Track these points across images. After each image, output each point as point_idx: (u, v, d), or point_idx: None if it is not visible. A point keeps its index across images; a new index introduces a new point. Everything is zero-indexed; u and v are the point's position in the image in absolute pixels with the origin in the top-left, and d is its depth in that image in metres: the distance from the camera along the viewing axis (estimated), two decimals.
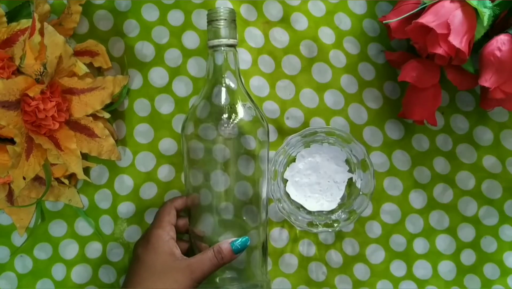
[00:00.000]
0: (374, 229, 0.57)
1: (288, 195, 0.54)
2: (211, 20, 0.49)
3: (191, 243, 0.51)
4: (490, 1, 0.47)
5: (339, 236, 0.57)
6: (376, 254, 0.57)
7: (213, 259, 0.46)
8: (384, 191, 0.57)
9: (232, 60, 0.50)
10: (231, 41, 0.49)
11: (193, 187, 0.50)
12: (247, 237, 0.47)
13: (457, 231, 0.58)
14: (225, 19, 0.48)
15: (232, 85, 0.50)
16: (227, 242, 0.47)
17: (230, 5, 0.56)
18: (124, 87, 0.53)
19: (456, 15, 0.46)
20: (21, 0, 0.51)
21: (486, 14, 0.46)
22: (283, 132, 0.57)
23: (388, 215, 0.57)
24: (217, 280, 0.49)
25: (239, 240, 0.47)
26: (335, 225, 0.53)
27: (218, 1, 0.56)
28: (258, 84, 0.56)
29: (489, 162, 0.58)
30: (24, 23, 0.48)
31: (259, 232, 0.50)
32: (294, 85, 0.57)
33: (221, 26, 0.48)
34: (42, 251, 0.56)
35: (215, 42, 0.49)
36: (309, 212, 0.54)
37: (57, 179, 0.53)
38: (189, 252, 0.51)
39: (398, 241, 0.57)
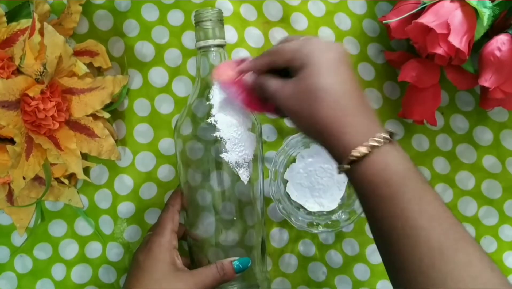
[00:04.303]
0: None
1: (288, 196, 0.54)
2: (198, 21, 0.49)
3: (189, 247, 0.51)
4: (490, 1, 0.47)
5: (339, 236, 0.57)
6: (376, 254, 0.57)
7: (216, 274, 0.46)
8: None
9: (221, 60, 0.49)
10: (218, 41, 0.49)
11: (191, 187, 0.50)
12: (248, 258, 0.48)
13: None
14: (211, 20, 0.48)
15: None
16: (229, 260, 0.47)
17: (230, 5, 0.56)
18: (124, 87, 0.53)
19: (456, 15, 0.46)
20: (21, 0, 0.51)
21: (486, 14, 0.46)
22: (283, 132, 0.57)
23: None
24: None
25: (241, 260, 0.47)
26: (335, 225, 0.53)
27: (218, 1, 0.56)
28: None
29: (489, 162, 0.58)
30: (24, 23, 0.48)
31: (257, 231, 0.50)
32: None
33: (208, 27, 0.48)
34: (42, 251, 0.56)
35: (202, 43, 0.49)
36: (309, 213, 0.54)
37: (57, 179, 0.53)
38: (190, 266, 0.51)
39: None
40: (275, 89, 0.42)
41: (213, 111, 0.47)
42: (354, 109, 0.39)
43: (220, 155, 0.47)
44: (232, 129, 0.47)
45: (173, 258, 0.47)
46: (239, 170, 0.48)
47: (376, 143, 0.38)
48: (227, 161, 0.47)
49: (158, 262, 0.47)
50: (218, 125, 0.47)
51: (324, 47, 0.41)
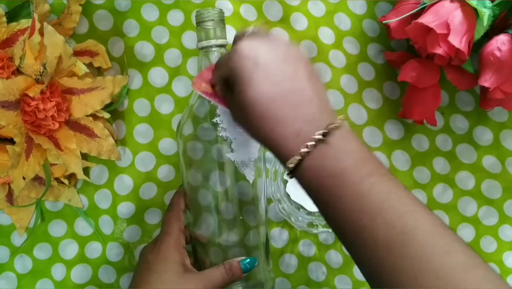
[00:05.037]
0: None
1: (288, 196, 0.54)
2: (200, 21, 0.49)
3: (193, 248, 0.51)
4: (490, 1, 0.47)
5: None
6: None
7: (224, 275, 0.46)
8: None
9: None
10: (220, 41, 0.49)
11: (192, 187, 0.50)
12: (255, 258, 0.48)
13: (457, 231, 0.57)
14: (213, 20, 0.48)
15: None
16: (237, 260, 0.47)
17: (230, 5, 0.56)
18: (123, 87, 0.53)
19: (456, 15, 0.46)
20: (21, 0, 0.51)
21: (486, 14, 0.46)
22: None
23: None
24: None
25: (248, 260, 0.47)
26: None
27: (218, 1, 0.56)
28: None
29: (489, 162, 0.58)
30: (24, 23, 0.48)
31: (260, 230, 0.50)
32: None
33: (210, 27, 0.48)
34: (42, 251, 0.56)
35: (204, 43, 0.49)
36: (309, 213, 0.54)
37: (57, 179, 0.53)
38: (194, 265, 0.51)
39: None
40: (227, 103, 0.42)
41: (218, 110, 0.47)
42: (284, 116, 0.38)
43: (226, 155, 0.47)
44: (237, 128, 0.47)
45: (183, 258, 0.47)
46: (245, 170, 0.48)
47: (307, 149, 0.37)
48: (233, 160, 0.47)
49: (168, 263, 0.46)
50: (224, 125, 0.47)
51: (249, 52, 0.39)
